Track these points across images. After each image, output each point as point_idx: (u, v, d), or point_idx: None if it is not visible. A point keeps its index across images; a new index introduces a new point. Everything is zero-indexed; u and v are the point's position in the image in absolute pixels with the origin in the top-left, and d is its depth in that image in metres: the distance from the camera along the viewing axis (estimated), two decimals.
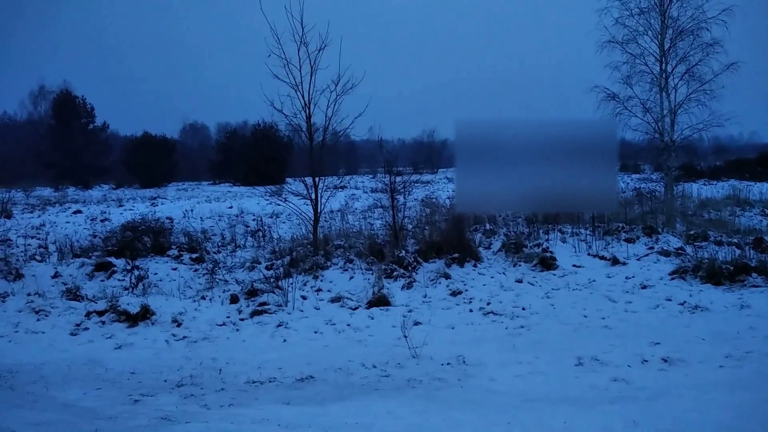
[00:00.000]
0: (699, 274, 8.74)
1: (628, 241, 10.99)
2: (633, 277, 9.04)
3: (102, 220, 18.72)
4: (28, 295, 8.69)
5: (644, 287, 8.58)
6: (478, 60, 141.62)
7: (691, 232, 11.31)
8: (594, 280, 8.98)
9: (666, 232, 11.49)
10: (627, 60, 15.47)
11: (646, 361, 5.82)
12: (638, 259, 9.92)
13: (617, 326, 7.10)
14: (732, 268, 8.66)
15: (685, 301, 7.86)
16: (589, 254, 10.33)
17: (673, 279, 8.85)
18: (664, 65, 15.11)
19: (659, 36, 15.14)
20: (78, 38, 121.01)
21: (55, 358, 6.61)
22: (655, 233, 11.33)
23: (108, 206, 25.33)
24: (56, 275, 9.67)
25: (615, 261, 9.74)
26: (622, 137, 15.53)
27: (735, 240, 10.64)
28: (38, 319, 7.97)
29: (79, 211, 22.48)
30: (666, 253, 10.04)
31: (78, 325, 7.77)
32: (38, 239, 14.05)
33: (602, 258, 10.03)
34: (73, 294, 8.73)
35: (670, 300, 7.97)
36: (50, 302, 8.44)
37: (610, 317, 7.46)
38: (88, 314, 7.96)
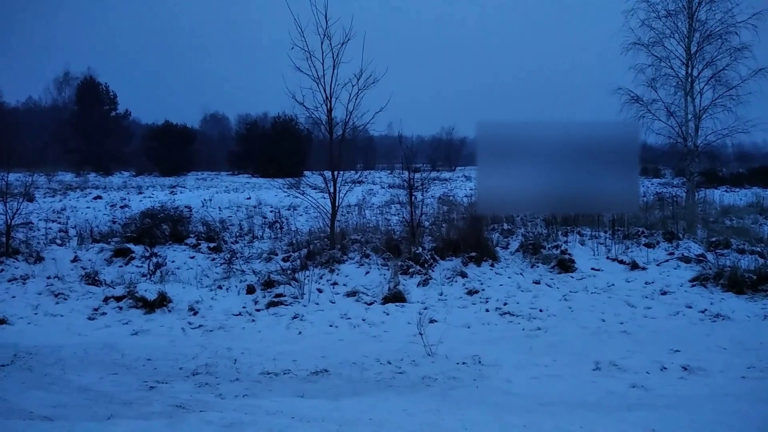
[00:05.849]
0: (720, 282, 8.59)
1: (648, 246, 10.84)
2: (652, 282, 8.92)
3: (122, 207, 18.94)
4: (48, 278, 8.81)
5: (664, 293, 8.46)
6: (499, 59, 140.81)
7: (713, 239, 11.12)
8: (613, 284, 8.86)
9: (687, 238, 11.30)
10: (652, 63, 15.31)
11: (665, 368, 5.72)
12: (658, 265, 9.78)
13: (636, 332, 6.99)
14: (755, 277, 8.50)
15: (705, 309, 7.72)
16: (608, 258, 10.21)
17: (693, 286, 8.71)
18: (690, 69, 14.90)
19: (686, 39, 14.93)
20: (104, 26, 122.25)
21: (73, 342, 6.68)
22: (676, 239, 11.15)
23: (128, 193, 25.62)
24: (76, 259, 9.78)
25: (634, 266, 9.61)
26: (643, 141, 15.37)
27: (758, 249, 10.44)
28: (57, 302, 8.06)
29: (100, 197, 22.76)
30: (687, 260, 9.89)
31: (96, 309, 7.85)
32: (59, 223, 14.25)
33: (621, 262, 9.91)
34: (91, 278, 8.83)
35: (690, 307, 7.83)
36: (69, 286, 8.53)
37: (628, 322, 7.35)
38: (106, 299, 8.03)
